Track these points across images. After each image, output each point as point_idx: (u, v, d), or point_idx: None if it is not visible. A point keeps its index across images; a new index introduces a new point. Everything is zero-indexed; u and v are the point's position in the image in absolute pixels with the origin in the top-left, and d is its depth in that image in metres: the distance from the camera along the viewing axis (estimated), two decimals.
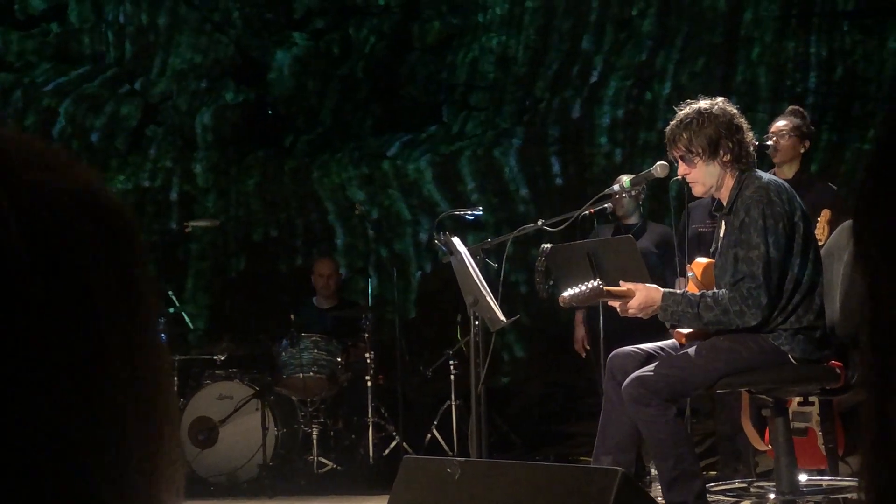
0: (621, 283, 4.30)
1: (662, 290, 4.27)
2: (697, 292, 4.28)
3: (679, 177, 4.47)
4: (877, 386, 0.66)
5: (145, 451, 0.63)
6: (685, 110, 4.35)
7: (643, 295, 4.24)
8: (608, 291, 4.22)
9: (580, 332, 7.04)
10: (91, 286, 0.62)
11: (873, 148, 0.69)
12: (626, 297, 4.26)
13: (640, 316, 4.32)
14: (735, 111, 4.35)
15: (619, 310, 4.33)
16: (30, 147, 0.65)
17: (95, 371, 0.62)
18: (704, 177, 4.34)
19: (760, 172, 4.38)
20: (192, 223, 8.63)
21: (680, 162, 4.38)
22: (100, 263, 0.63)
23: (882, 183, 0.67)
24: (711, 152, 4.27)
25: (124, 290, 0.64)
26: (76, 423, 0.60)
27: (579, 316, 7.02)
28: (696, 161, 4.31)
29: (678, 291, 4.29)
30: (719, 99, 4.39)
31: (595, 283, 4.18)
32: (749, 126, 4.39)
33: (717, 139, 4.26)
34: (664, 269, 6.33)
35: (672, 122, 4.37)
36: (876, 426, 0.65)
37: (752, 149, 4.36)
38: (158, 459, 0.65)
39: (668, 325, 4.47)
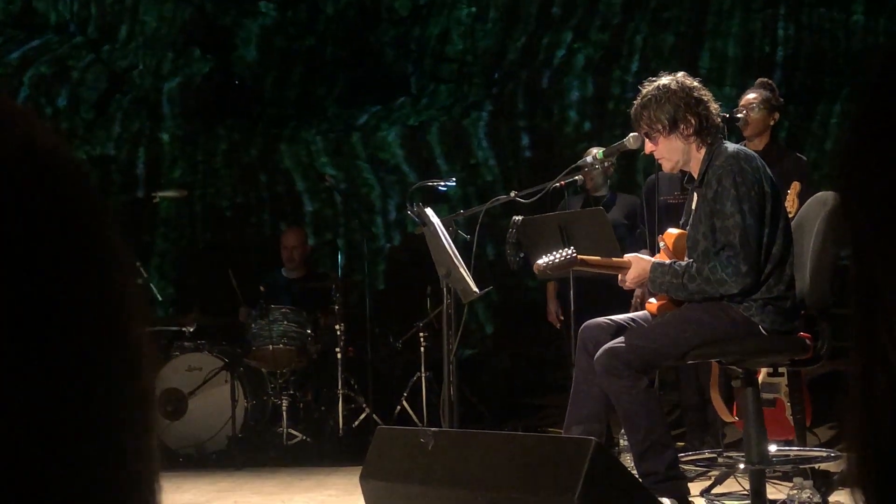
0: (626, 257, 4.37)
1: (652, 260, 4.32)
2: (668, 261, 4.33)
3: (646, 153, 4.50)
4: (862, 349, 0.66)
5: (119, 433, 0.60)
6: (646, 88, 4.39)
7: (636, 267, 4.30)
8: (583, 260, 4.25)
9: (553, 304, 7.07)
10: (42, 253, 0.58)
11: (856, 106, 0.68)
12: (623, 268, 4.31)
13: (638, 288, 4.38)
14: (695, 84, 4.37)
15: (619, 282, 4.40)
16: None
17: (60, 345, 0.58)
18: (669, 152, 4.37)
19: (728, 143, 4.41)
20: (160, 194, 8.57)
21: (646, 140, 4.42)
22: (53, 226, 0.59)
23: (866, 141, 0.67)
24: (672, 128, 4.31)
25: (84, 257, 0.60)
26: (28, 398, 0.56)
27: (551, 289, 7.04)
28: (658, 138, 4.35)
29: (665, 262, 4.33)
30: (679, 74, 4.41)
31: (569, 252, 4.20)
32: (712, 97, 4.41)
33: (676, 114, 4.29)
34: (629, 236, 6.37)
35: (635, 102, 4.41)
36: (862, 390, 0.65)
37: (718, 120, 4.38)
38: (140, 444, 0.61)
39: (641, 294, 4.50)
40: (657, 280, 4.28)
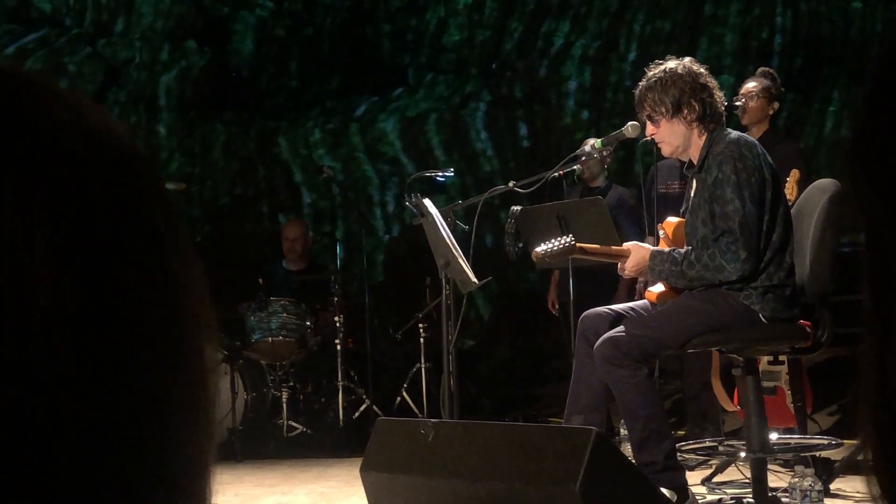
0: (625, 245, 4.37)
1: (651, 248, 4.31)
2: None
3: (647, 137, 4.47)
4: (876, 337, 0.65)
5: (189, 439, 0.58)
6: (652, 70, 4.36)
7: (636, 255, 4.29)
8: (581, 248, 4.23)
9: (552, 293, 7.09)
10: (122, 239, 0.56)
11: (867, 89, 0.67)
12: (623, 256, 4.30)
13: (637, 277, 4.37)
14: (702, 70, 4.35)
15: (618, 271, 4.38)
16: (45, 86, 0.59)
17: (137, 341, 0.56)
18: (670, 136, 4.35)
19: (730, 130, 4.39)
20: None
21: (648, 122, 4.39)
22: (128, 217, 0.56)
23: (877, 126, 0.65)
24: (675, 111, 4.29)
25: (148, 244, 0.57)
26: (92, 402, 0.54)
27: (554, 278, 7.06)
28: (661, 121, 4.32)
29: (664, 250, 4.31)
30: (686, 59, 4.39)
31: (568, 239, 4.19)
32: (717, 85, 4.39)
33: (680, 99, 4.28)
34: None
35: (640, 83, 4.38)
36: (877, 378, 0.64)
37: (721, 108, 4.36)
38: (203, 450, 0.59)
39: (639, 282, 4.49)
40: (656, 268, 4.27)
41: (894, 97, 0.64)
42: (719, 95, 4.36)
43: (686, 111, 4.28)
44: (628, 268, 4.33)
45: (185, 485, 0.59)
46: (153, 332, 0.57)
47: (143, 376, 0.56)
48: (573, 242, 4.19)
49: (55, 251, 0.53)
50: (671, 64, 4.34)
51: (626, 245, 4.38)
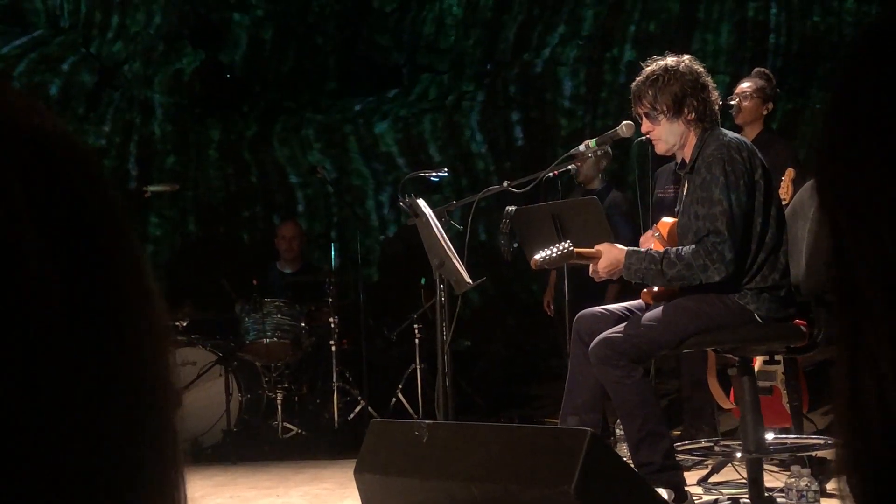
0: (596, 247, 4.30)
1: (626, 248, 4.26)
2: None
3: (644, 134, 4.44)
4: (848, 346, 0.66)
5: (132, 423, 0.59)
6: (651, 66, 4.31)
7: (608, 256, 4.23)
8: (579, 254, 4.20)
9: (549, 293, 7.09)
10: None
11: (830, 101, 0.67)
12: (594, 258, 4.25)
13: (609, 277, 4.32)
14: (701, 70, 4.32)
15: (590, 273, 4.33)
16: None
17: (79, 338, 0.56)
18: (667, 135, 4.32)
19: (724, 130, 4.36)
20: (151, 188, 8.52)
21: (644, 119, 4.35)
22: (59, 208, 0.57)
23: (841, 138, 0.65)
24: (676, 110, 4.26)
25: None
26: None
27: (552, 278, 7.05)
28: (660, 118, 4.29)
29: (641, 249, 4.28)
30: (686, 57, 4.35)
31: (566, 245, 4.17)
32: (715, 85, 4.37)
33: (682, 97, 4.24)
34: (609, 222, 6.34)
35: (638, 78, 4.34)
36: (848, 385, 0.65)
37: (716, 108, 4.34)
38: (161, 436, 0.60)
39: (633, 284, 4.47)
40: (633, 266, 4.20)
41: (860, 109, 0.64)
42: (715, 96, 4.34)
43: (686, 110, 4.25)
44: (601, 268, 4.24)
45: (156, 478, 0.59)
46: (104, 331, 0.58)
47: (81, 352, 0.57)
48: (571, 248, 4.16)
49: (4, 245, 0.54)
50: (671, 61, 4.29)
51: (598, 246, 4.27)
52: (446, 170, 5.81)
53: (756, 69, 6.10)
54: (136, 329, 0.59)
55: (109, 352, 0.57)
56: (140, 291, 0.60)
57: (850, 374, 0.65)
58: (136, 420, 0.58)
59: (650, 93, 4.26)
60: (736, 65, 10.13)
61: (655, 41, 10.56)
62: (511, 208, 4.97)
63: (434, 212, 4.70)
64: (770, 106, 5.96)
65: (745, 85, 5.90)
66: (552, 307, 7.03)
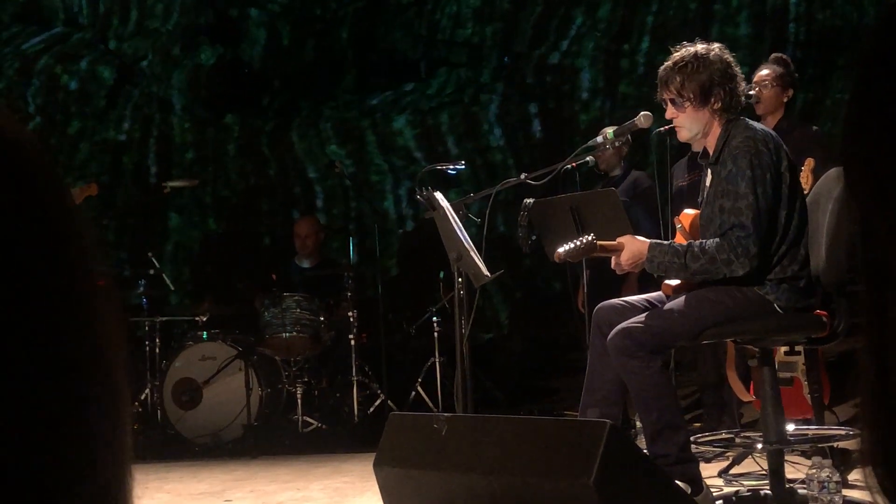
0: (618, 239, 4.26)
1: (649, 241, 4.22)
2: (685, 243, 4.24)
3: (667, 120, 4.38)
4: (874, 327, 0.64)
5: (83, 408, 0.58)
6: (681, 52, 4.23)
7: (630, 248, 4.19)
8: (601, 246, 4.17)
9: (582, 291, 7.02)
10: None
11: (854, 81, 0.65)
12: (616, 251, 4.22)
13: (632, 270, 4.29)
14: (731, 59, 4.24)
15: (612, 266, 4.30)
16: None
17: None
18: (692, 123, 4.26)
19: (749, 121, 4.30)
20: (170, 184, 8.55)
21: (669, 105, 4.28)
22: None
23: (868, 114, 0.64)
24: (703, 99, 4.20)
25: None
26: None
27: (586, 276, 6.98)
28: (685, 106, 4.22)
29: (665, 242, 4.25)
30: (716, 45, 4.27)
31: (589, 238, 4.13)
32: (743, 76, 4.31)
33: (710, 86, 4.18)
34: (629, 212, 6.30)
35: (666, 63, 4.25)
36: (874, 368, 0.63)
37: (742, 99, 4.28)
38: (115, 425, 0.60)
39: (655, 276, 4.44)
40: (655, 259, 4.17)
41: (884, 88, 0.63)
42: (742, 87, 4.28)
43: (713, 99, 4.20)
44: (623, 261, 4.20)
45: (105, 476, 0.59)
46: (53, 312, 0.57)
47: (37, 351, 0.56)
48: (594, 241, 4.13)
49: None
50: (701, 48, 4.21)
51: (620, 239, 4.23)
52: (463, 163, 5.78)
53: (773, 55, 5.96)
54: (84, 322, 0.58)
55: (57, 344, 0.56)
56: (87, 286, 0.59)
57: (878, 353, 0.63)
58: (83, 416, 0.57)
59: (678, 79, 4.20)
60: (755, 56, 10.06)
61: (674, 31, 10.51)
62: (529, 201, 4.95)
63: (451, 205, 4.69)
64: (790, 92, 5.83)
65: (764, 72, 5.78)
66: (585, 306, 6.93)
